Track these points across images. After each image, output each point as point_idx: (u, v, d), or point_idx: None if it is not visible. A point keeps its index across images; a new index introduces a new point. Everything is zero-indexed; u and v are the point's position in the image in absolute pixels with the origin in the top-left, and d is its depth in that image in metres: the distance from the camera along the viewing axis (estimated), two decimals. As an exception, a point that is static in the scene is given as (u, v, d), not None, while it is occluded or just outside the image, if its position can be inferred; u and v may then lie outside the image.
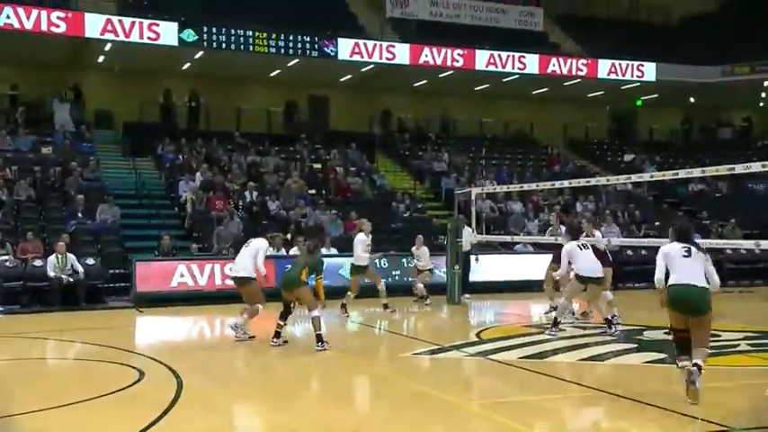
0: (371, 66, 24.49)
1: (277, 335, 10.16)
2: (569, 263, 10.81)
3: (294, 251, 15.23)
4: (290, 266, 10.54)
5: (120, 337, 11.56)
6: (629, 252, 19.01)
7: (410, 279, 15.95)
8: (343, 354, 9.92)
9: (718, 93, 29.10)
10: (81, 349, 10.72)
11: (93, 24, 20.69)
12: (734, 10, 30.86)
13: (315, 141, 24.74)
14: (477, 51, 25.24)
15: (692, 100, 30.84)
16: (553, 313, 11.73)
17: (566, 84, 27.36)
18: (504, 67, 25.63)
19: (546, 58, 26.25)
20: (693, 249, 7.10)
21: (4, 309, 14.35)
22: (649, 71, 27.28)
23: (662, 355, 9.21)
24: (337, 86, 26.95)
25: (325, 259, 10.91)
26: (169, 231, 17.08)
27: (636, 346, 10.19)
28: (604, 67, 26.93)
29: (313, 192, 20.87)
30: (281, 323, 10.20)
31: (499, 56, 25.48)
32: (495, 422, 6.68)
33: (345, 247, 17.25)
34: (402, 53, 24.40)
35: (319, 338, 9.75)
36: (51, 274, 14.57)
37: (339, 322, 12.75)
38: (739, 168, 10.33)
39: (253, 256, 10.61)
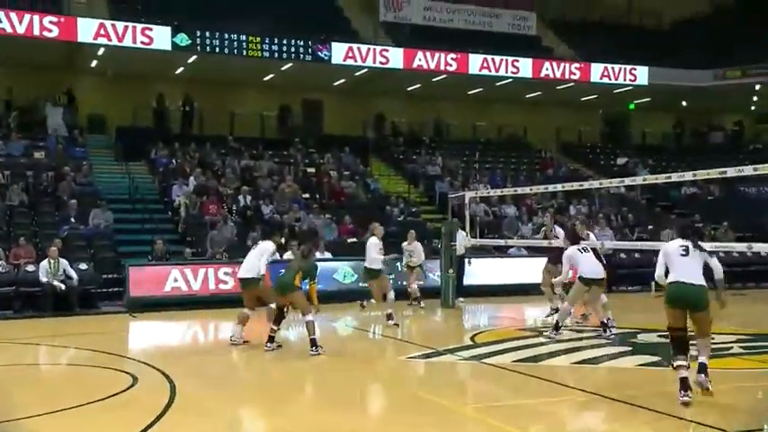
0: (365, 70, 24.50)
1: (271, 339, 10.15)
2: (570, 267, 10.90)
3: (288, 255, 15.18)
4: (283, 271, 10.53)
5: (114, 343, 11.53)
6: (623, 255, 19.13)
7: (403, 283, 15.63)
8: (337, 358, 9.91)
9: (710, 96, 29.21)
10: (74, 355, 10.70)
11: (86, 29, 20.62)
12: (726, 14, 31.01)
13: (308, 145, 24.72)
14: (471, 55, 25.25)
15: (684, 104, 30.94)
16: (555, 316, 11.73)
17: (559, 87, 27.41)
18: (497, 71, 25.66)
19: (539, 62, 26.29)
20: (691, 248, 7.20)
21: (-3, 314, 14.28)
22: (642, 75, 27.35)
23: (656, 358, 9.27)
24: (331, 90, 26.95)
25: (318, 264, 10.90)
26: (162, 236, 17.02)
27: (630, 349, 10.22)
28: (597, 71, 26.97)
29: (307, 196, 20.85)
30: (275, 328, 10.21)
31: (492, 60, 25.51)
32: (490, 426, 6.69)
33: (339, 251, 17.28)
34: (396, 57, 24.42)
35: (313, 343, 9.74)
36: (44, 279, 14.49)
37: (334, 327, 12.72)
38: (731, 171, 10.37)
39: (259, 258, 10.61)
